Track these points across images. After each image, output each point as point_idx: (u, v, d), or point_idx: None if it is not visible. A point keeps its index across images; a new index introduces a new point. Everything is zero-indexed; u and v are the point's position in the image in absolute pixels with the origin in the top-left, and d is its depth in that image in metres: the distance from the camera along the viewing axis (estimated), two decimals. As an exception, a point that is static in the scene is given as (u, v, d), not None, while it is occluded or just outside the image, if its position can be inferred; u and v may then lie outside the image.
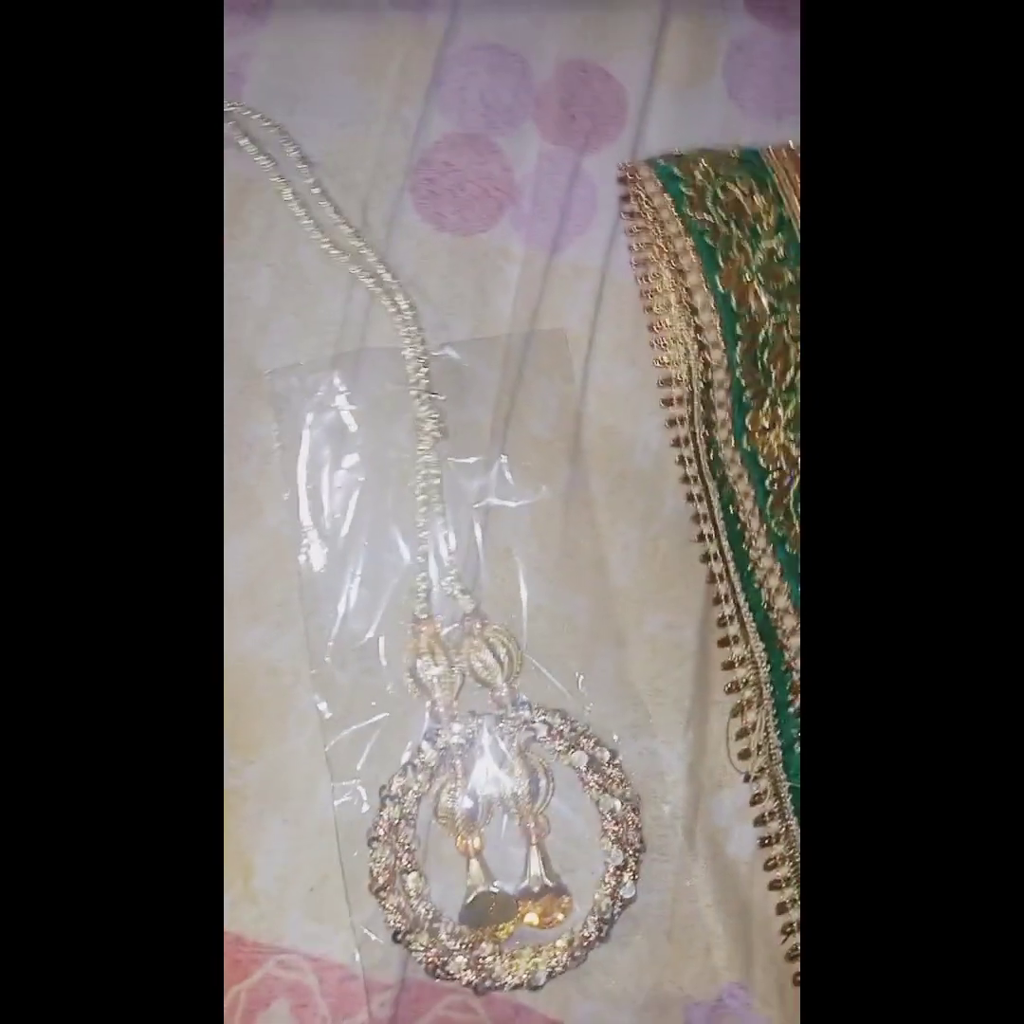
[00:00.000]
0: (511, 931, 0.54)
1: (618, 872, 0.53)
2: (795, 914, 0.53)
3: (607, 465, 0.61)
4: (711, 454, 0.53)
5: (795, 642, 0.53)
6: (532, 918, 0.54)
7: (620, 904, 0.53)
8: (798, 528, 0.54)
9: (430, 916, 0.53)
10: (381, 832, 0.53)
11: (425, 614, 0.57)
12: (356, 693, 0.54)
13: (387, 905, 0.53)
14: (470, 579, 0.59)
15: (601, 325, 0.62)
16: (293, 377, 0.61)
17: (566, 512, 0.60)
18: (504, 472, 0.61)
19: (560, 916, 0.54)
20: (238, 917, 0.51)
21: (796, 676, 0.53)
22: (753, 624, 0.52)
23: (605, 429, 0.61)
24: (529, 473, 0.59)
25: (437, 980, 0.52)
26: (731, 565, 0.52)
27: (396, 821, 0.54)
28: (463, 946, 0.52)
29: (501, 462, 0.61)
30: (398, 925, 0.52)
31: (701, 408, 0.53)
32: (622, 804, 0.54)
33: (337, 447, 0.57)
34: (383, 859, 0.53)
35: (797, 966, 0.53)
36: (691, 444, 0.54)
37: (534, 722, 0.56)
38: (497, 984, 0.52)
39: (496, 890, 0.54)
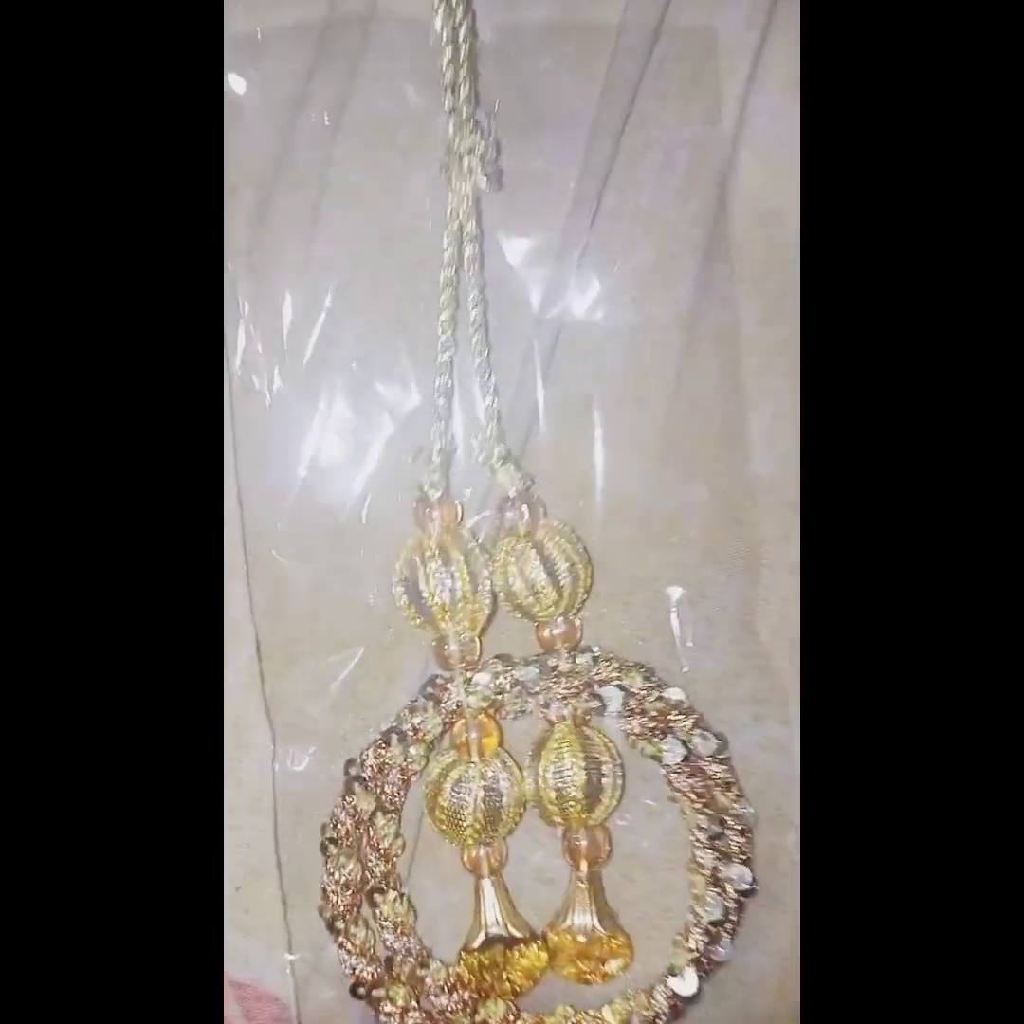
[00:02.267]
0: (534, 975, 0.35)
1: (712, 928, 0.34)
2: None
3: (762, 275, 0.36)
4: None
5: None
6: (567, 965, 0.35)
7: (708, 969, 0.34)
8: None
9: (412, 959, 0.34)
10: (342, 830, 0.34)
11: (438, 492, 0.34)
12: (316, 606, 0.36)
13: (345, 942, 0.33)
14: (519, 442, 0.35)
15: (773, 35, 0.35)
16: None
17: (687, 347, 0.36)
18: (590, 271, 0.36)
19: (613, 965, 0.35)
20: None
21: None
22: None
23: (764, 215, 0.36)
24: (633, 276, 0.36)
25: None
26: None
27: (367, 814, 0.34)
28: (460, 1006, 0.34)
29: (586, 246, 0.36)
30: (360, 973, 0.33)
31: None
32: (727, 823, 0.34)
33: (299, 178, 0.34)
34: (343, 871, 0.34)
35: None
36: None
37: (602, 684, 0.34)
38: (508, 1071, 0.33)
39: (518, 933, 0.34)
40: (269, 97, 0.37)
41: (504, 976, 0.35)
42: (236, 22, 0.36)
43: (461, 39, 0.34)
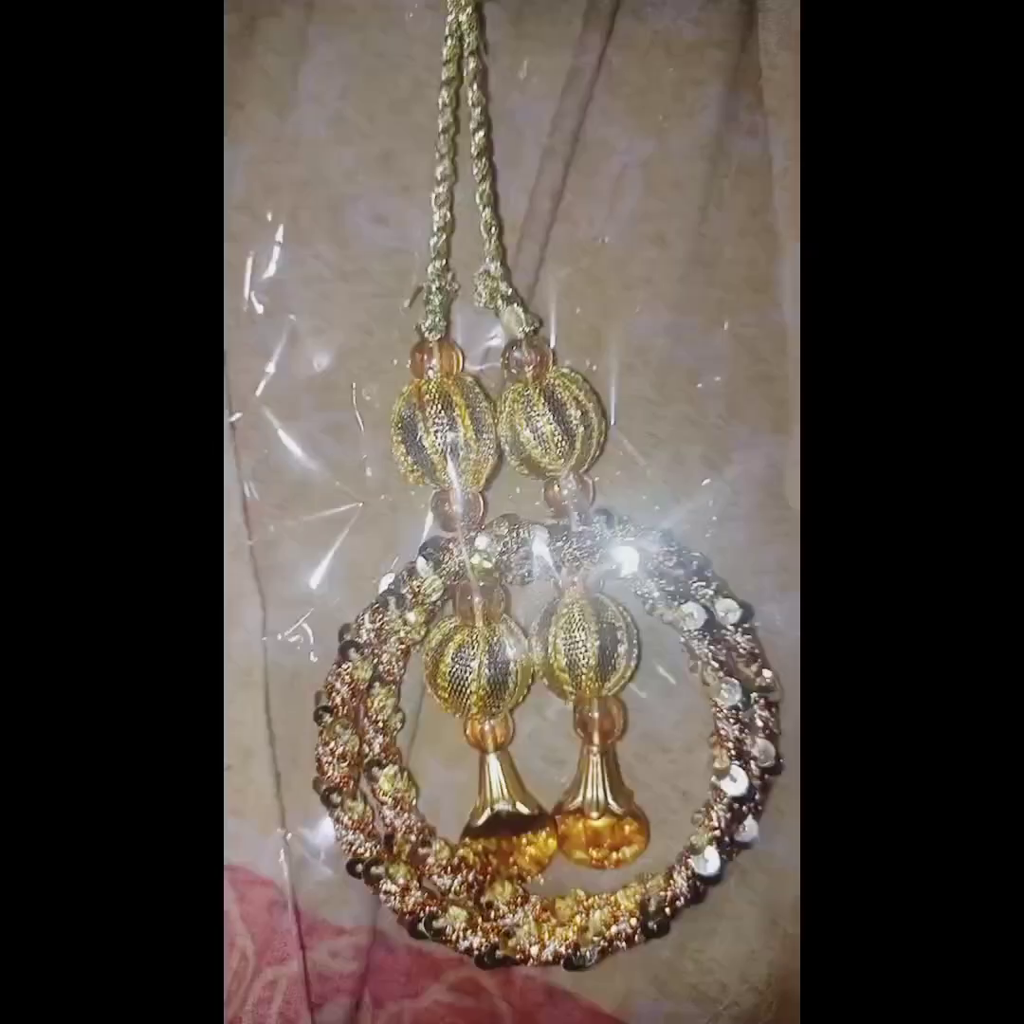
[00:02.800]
0: (543, 861, 0.33)
1: (735, 805, 0.31)
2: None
3: (793, 101, 0.32)
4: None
5: None
6: (578, 852, 0.33)
7: (731, 853, 0.31)
8: None
9: (413, 836, 0.32)
10: (338, 700, 0.31)
11: (437, 335, 0.31)
12: (308, 470, 0.34)
13: (342, 816, 0.31)
14: (526, 286, 0.32)
15: None
16: None
17: (711, 181, 0.33)
18: (603, 96, 0.33)
19: (626, 852, 0.33)
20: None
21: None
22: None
23: (796, 35, 0.32)
24: (651, 102, 0.33)
25: (420, 940, 0.31)
26: None
27: (364, 684, 0.31)
28: (464, 888, 0.32)
29: (599, 69, 0.33)
30: (358, 848, 0.31)
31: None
32: (753, 695, 0.31)
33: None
34: (339, 742, 0.31)
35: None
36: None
37: (617, 546, 0.31)
38: (516, 956, 0.31)
39: (526, 810, 0.32)
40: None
41: (511, 860, 0.32)
42: None
43: None
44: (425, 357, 0.31)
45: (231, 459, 0.33)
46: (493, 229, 0.31)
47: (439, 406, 0.30)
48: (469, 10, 0.30)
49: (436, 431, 0.30)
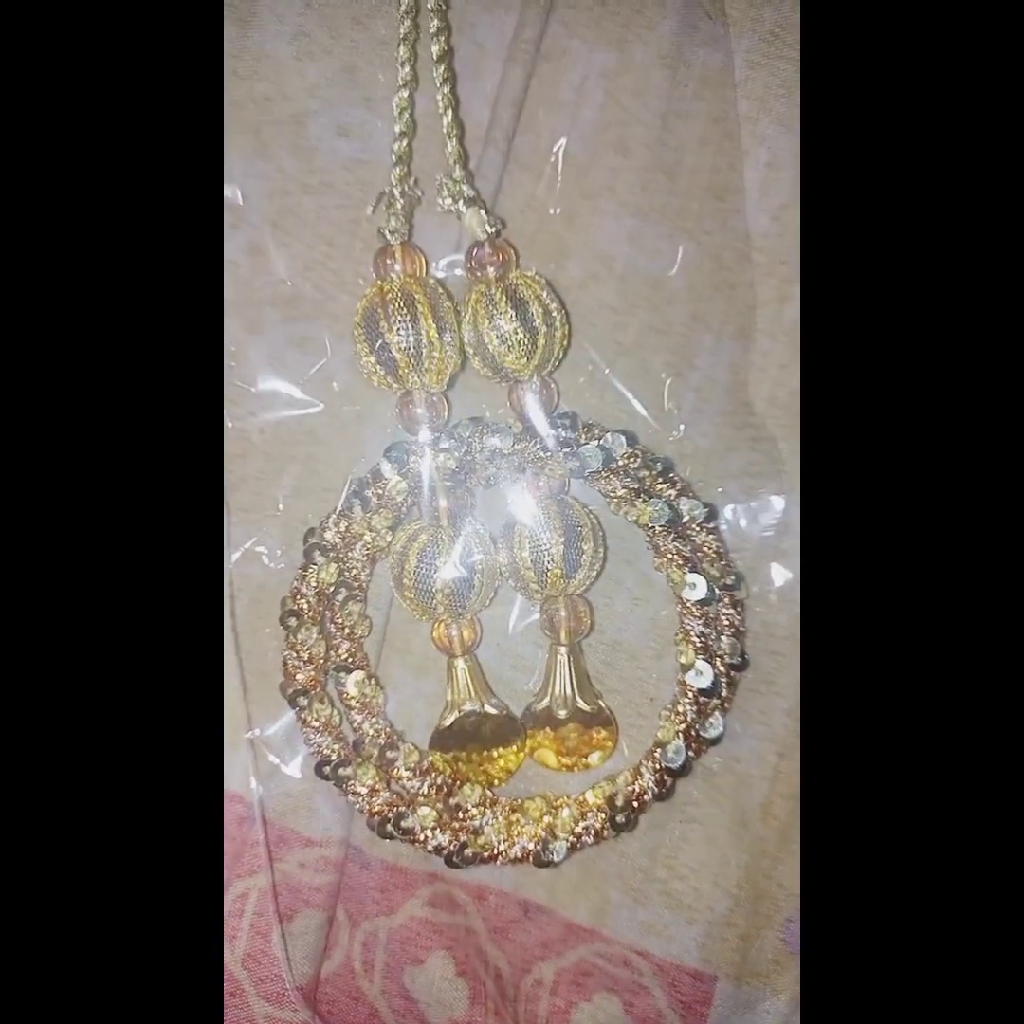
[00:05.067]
0: (512, 769, 0.33)
1: (700, 698, 0.31)
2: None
3: (755, 10, 0.33)
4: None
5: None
6: (547, 755, 0.33)
7: (697, 748, 0.32)
8: None
9: (381, 740, 0.32)
10: (304, 604, 0.31)
11: (398, 235, 0.31)
12: (271, 378, 0.34)
13: (309, 718, 0.31)
14: (489, 195, 0.33)
15: None
16: None
17: (672, 91, 0.33)
18: (562, 6, 0.33)
19: (594, 757, 0.33)
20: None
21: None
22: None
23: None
24: (610, 12, 0.34)
25: (388, 840, 0.31)
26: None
27: (330, 589, 0.32)
28: (433, 790, 0.32)
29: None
30: (325, 751, 0.31)
31: None
32: (717, 591, 0.32)
33: None
34: (306, 646, 0.31)
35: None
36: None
37: (581, 446, 0.32)
38: (485, 853, 0.31)
39: (493, 711, 0.32)
40: None
41: (481, 769, 0.33)
42: None
43: None
44: (388, 260, 0.31)
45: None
46: (454, 133, 0.31)
47: (401, 304, 0.30)
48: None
49: (398, 329, 0.30)
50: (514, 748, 0.33)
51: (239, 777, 0.33)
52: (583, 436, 0.32)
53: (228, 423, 0.33)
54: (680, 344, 0.34)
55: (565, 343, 0.32)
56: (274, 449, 0.34)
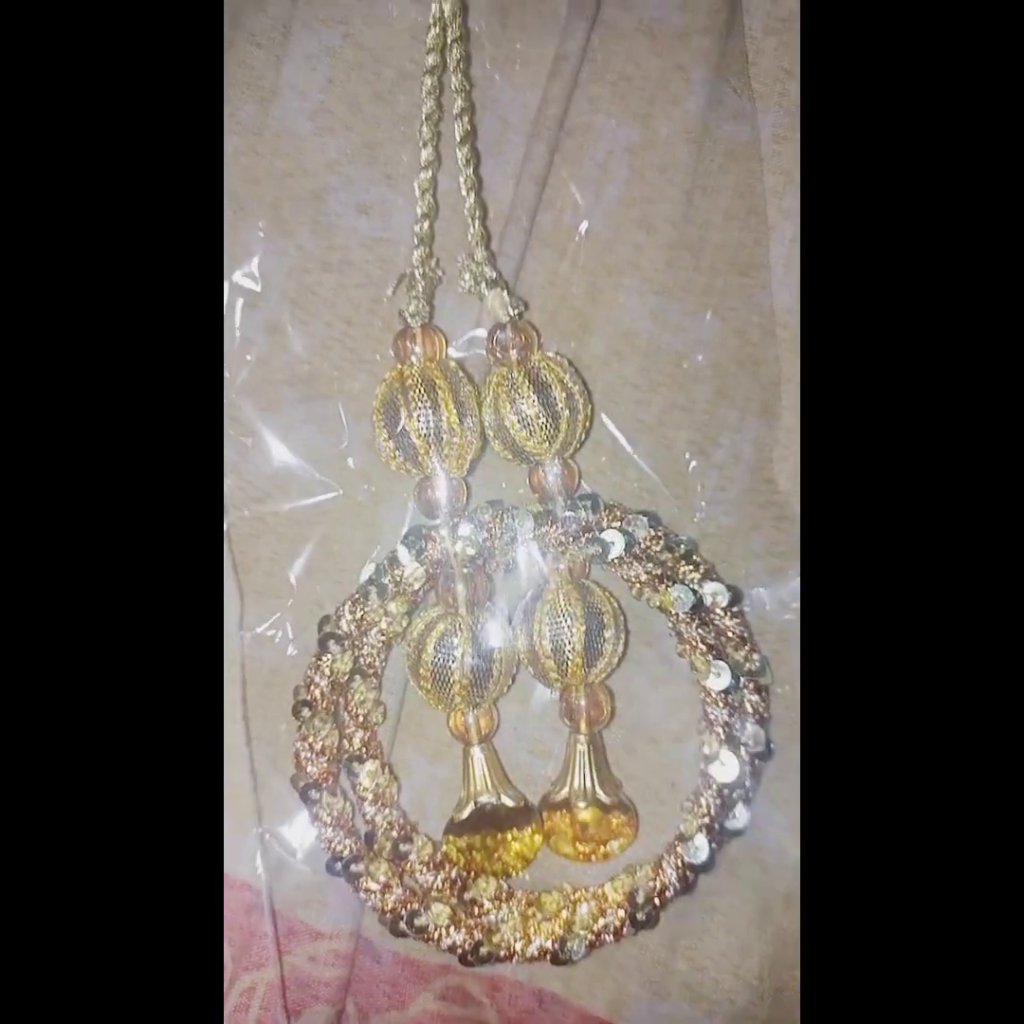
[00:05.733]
0: (528, 857, 0.32)
1: (724, 791, 0.31)
2: None
3: (779, 86, 0.33)
4: None
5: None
6: (563, 844, 0.32)
7: (721, 840, 0.31)
8: None
9: (394, 833, 0.31)
10: (317, 693, 0.31)
11: (418, 318, 0.31)
12: (288, 460, 0.33)
13: (321, 813, 0.31)
14: (511, 273, 0.32)
15: None
16: None
17: (697, 166, 0.33)
18: (589, 83, 0.33)
19: (613, 845, 0.32)
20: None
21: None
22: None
23: (781, 20, 0.32)
24: (636, 89, 0.33)
25: (402, 938, 0.31)
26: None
27: (345, 677, 0.31)
28: (447, 884, 0.31)
29: (584, 56, 0.33)
30: (338, 845, 0.31)
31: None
32: (741, 679, 0.31)
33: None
34: (319, 737, 0.31)
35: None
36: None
37: (603, 529, 0.31)
38: (501, 952, 0.30)
39: (511, 802, 0.31)
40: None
41: (496, 856, 0.32)
42: None
43: None
44: (408, 343, 0.31)
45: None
46: (477, 214, 0.31)
47: (422, 390, 0.29)
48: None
49: (419, 415, 0.29)
50: (529, 831, 0.32)
51: (247, 865, 0.32)
52: (605, 518, 0.31)
53: (244, 511, 0.32)
54: (704, 422, 0.33)
55: (587, 425, 0.31)
56: (288, 530, 0.33)
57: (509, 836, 0.32)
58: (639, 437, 0.33)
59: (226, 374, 0.33)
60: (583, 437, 0.32)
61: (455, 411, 0.29)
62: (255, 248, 0.33)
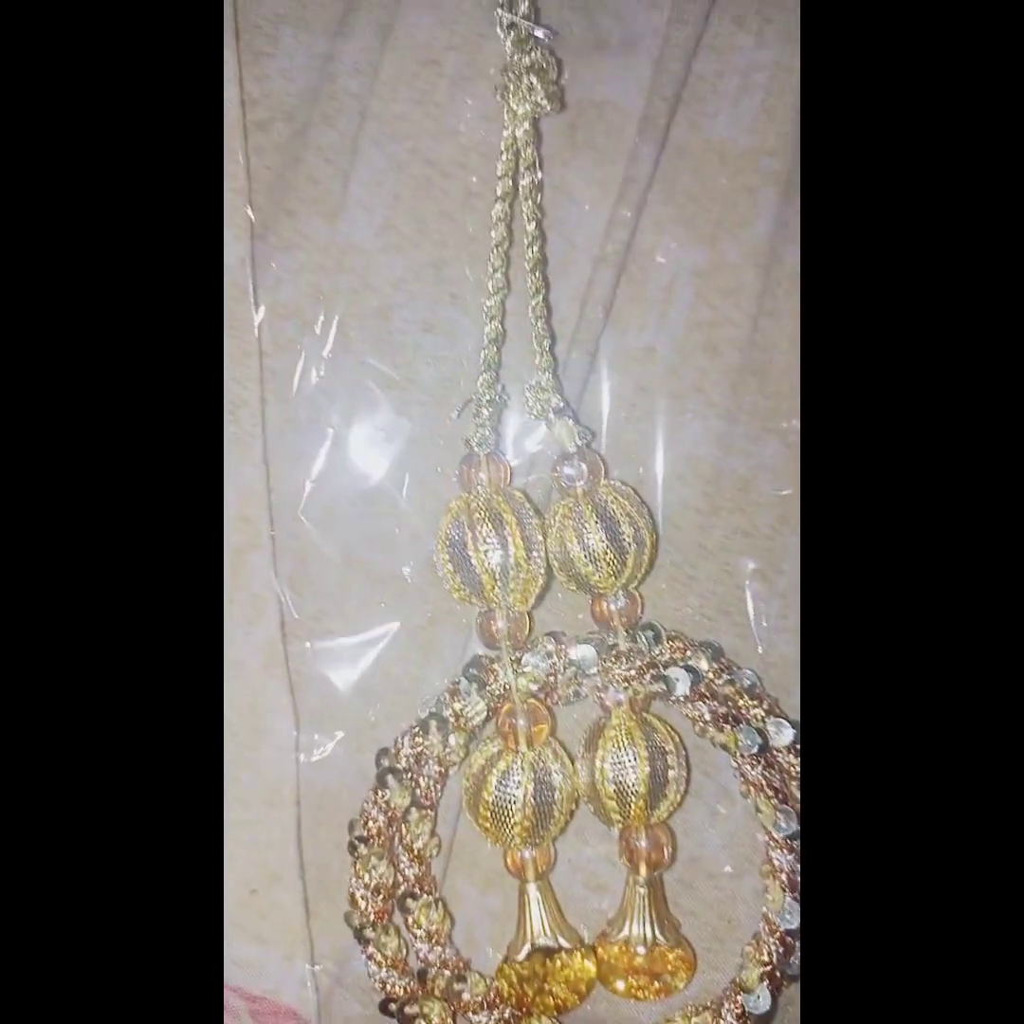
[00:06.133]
0: (581, 990, 0.31)
1: (787, 939, 0.30)
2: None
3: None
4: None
5: None
6: (618, 981, 0.31)
7: (783, 985, 0.30)
8: None
9: (448, 972, 0.30)
10: (374, 828, 0.30)
11: (487, 448, 0.30)
12: (346, 579, 0.33)
13: (375, 953, 0.30)
14: (575, 394, 0.32)
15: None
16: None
17: (764, 290, 0.33)
18: (657, 205, 0.32)
19: (670, 982, 0.31)
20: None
21: None
22: None
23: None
24: (704, 211, 0.33)
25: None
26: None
27: (403, 811, 0.30)
28: (500, 1023, 0.30)
29: (653, 178, 0.32)
30: (391, 987, 0.30)
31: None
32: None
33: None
34: (374, 874, 0.30)
35: None
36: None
37: (667, 665, 0.30)
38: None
39: (567, 944, 0.30)
40: (306, 24, 0.33)
41: (546, 988, 0.31)
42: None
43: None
44: (473, 470, 0.30)
45: (269, 569, 0.32)
46: (545, 342, 0.31)
47: (489, 524, 0.29)
48: (525, 125, 0.30)
49: (486, 551, 0.29)
50: (579, 958, 0.31)
51: (296, 992, 0.32)
52: (667, 650, 0.31)
53: (307, 644, 0.32)
54: (766, 548, 0.33)
55: (653, 554, 0.31)
56: (345, 650, 0.32)
57: (558, 964, 0.31)
58: (700, 562, 0.33)
59: (288, 491, 0.32)
60: (649, 567, 0.31)
61: (523, 547, 0.29)
62: (320, 363, 0.33)
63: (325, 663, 0.32)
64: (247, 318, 0.32)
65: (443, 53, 0.33)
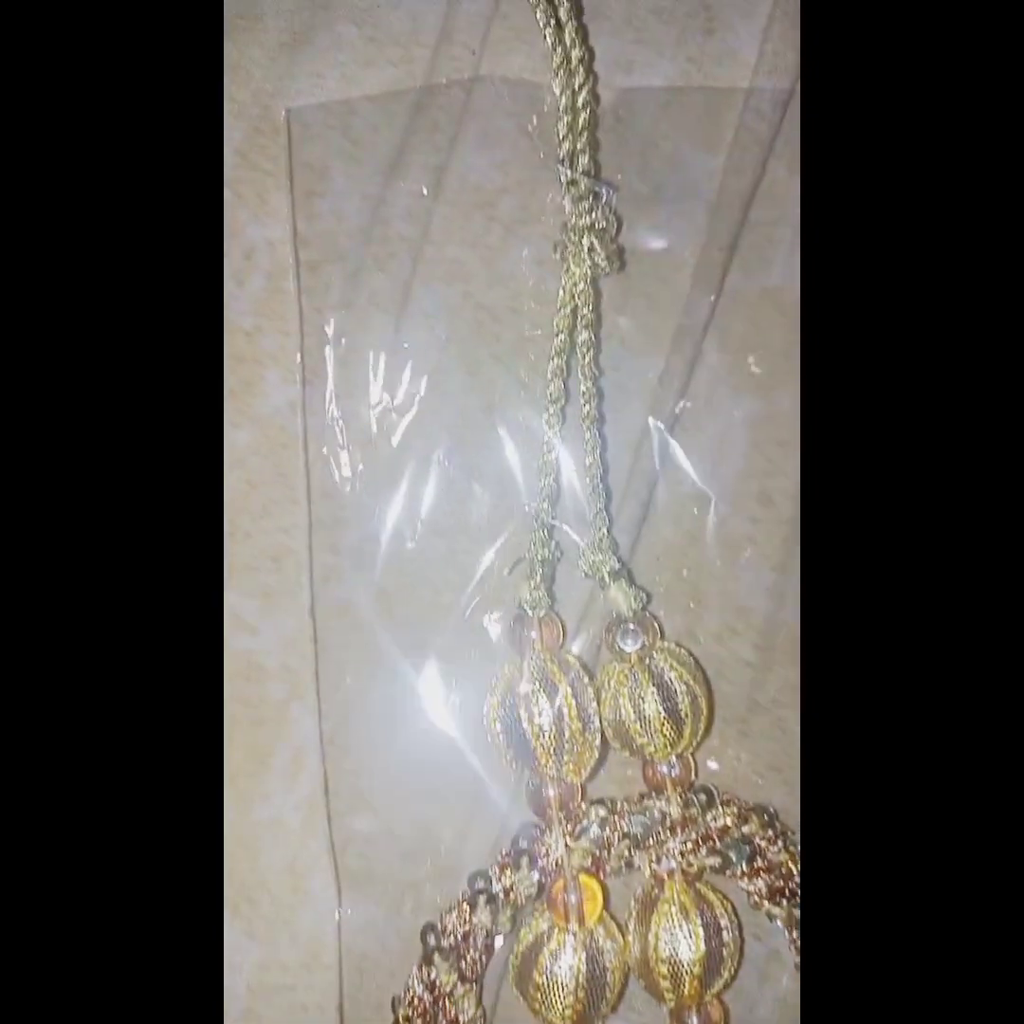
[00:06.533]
0: None
1: None
2: None
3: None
4: None
5: None
6: None
7: None
8: None
9: None
10: (419, 1006, 0.29)
11: (541, 610, 0.29)
12: (390, 735, 0.32)
13: None
14: (627, 543, 0.32)
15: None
16: (324, 113, 0.32)
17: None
18: (712, 354, 0.32)
19: None
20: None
21: None
22: None
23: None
24: (760, 361, 0.33)
25: None
26: None
27: (447, 987, 0.29)
28: None
29: (708, 328, 0.32)
30: None
31: None
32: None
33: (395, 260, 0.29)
34: (418, 1055, 0.29)
35: None
36: None
37: (721, 833, 0.29)
38: None
39: None
40: (359, 164, 0.33)
41: None
42: (328, 87, 0.33)
43: (580, 105, 0.30)
44: (527, 631, 0.29)
45: (312, 722, 0.31)
46: (601, 500, 0.30)
47: (543, 694, 0.28)
48: (583, 285, 0.30)
49: (540, 723, 0.28)
50: None
51: None
52: (721, 814, 0.30)
53: (348, 801, 0.31)
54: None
55: (709, 719, 0.30)
56: (385, 808, 0.31)
57: None
58: (752, 717, 0.32)
59: (333, 643, 0.32)
60: (704, 734, 0.30)
61: (579, 719, 0.28)
62: (375, 510, 0.32)
63: (366, 823, 0.31)
64: (296, 465, 0.32)
65: (497, 196, 0.33)
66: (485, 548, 0.32)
